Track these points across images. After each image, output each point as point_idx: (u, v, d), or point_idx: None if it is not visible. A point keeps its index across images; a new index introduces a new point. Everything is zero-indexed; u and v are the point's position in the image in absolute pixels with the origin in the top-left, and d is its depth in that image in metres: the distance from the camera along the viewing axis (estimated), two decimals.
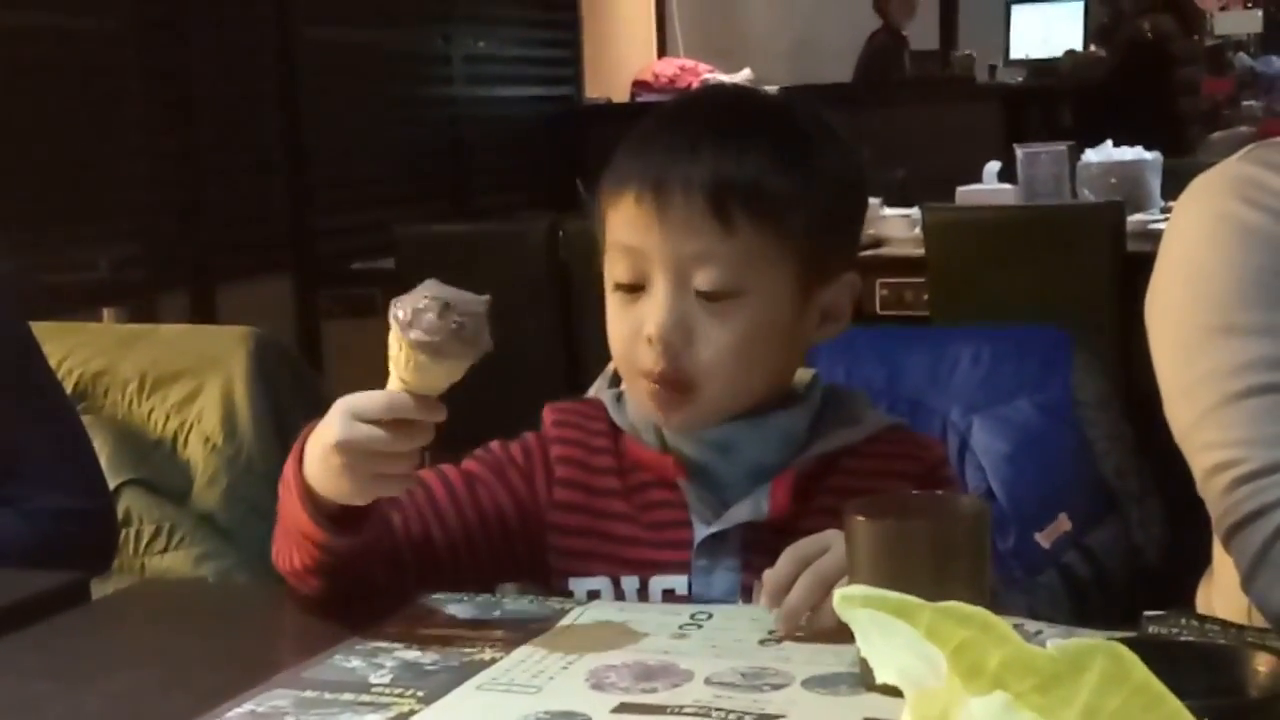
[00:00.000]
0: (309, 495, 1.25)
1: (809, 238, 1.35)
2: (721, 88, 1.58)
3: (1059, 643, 0.70)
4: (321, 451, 1.21)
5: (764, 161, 1.33)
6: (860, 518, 1.09)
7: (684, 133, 1.35)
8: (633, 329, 1.35)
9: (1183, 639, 1.08)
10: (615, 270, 1.36)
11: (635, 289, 1.35)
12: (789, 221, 1.33)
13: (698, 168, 1.31)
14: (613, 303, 1.37)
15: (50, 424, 1.84)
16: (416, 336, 1.15)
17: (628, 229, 1.34)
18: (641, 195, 1.33)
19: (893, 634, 0.73)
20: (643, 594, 1.38)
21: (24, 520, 1.76)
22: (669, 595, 1.37)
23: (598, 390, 1.51)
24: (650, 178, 1.33)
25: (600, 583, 1.39)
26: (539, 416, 1.46)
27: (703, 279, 1.32)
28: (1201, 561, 1.58)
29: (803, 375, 1.44)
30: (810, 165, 1.35)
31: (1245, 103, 7.94)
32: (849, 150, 1.41)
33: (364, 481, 1.21)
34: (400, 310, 1.16)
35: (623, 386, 1.43)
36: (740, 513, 1.36)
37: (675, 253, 1.32)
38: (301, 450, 1.25)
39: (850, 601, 0.74)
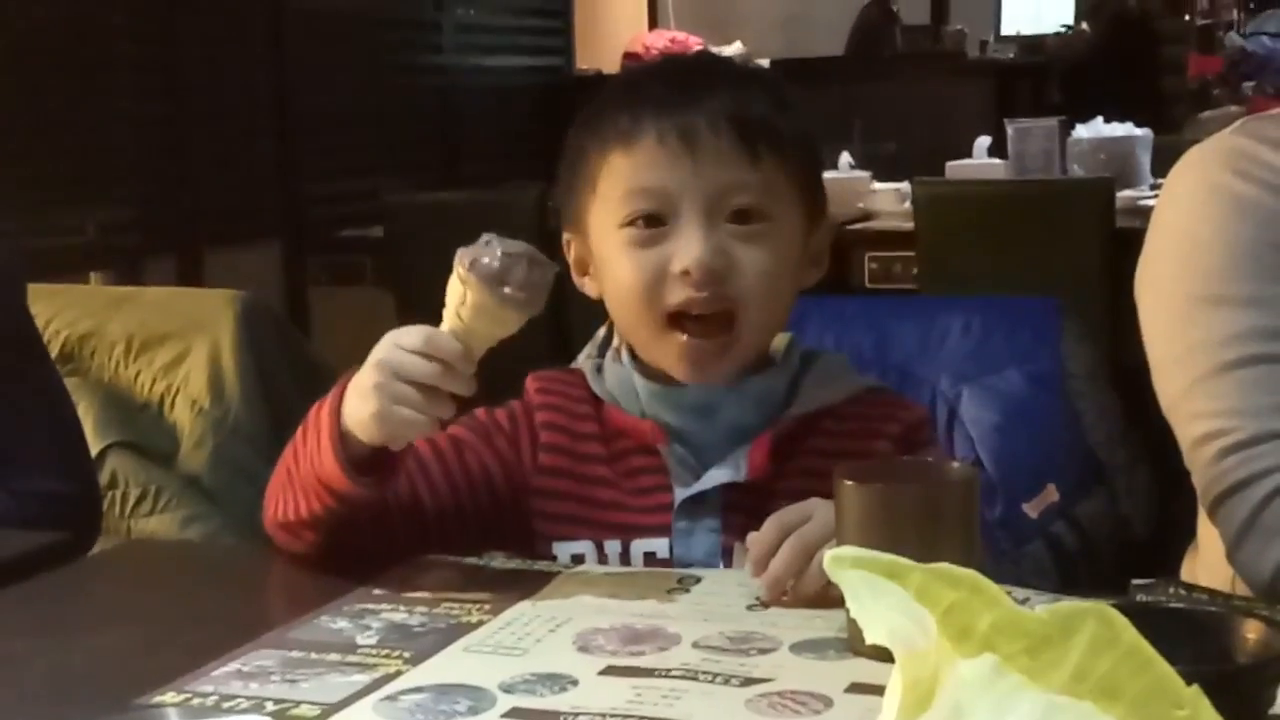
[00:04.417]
0: (340, 438, 1.25)
1: (807, 176, 1.41)
2: (681, 55, 1.63)
3: (1049, 606, 0.70)
4: (360, 377, 1.22)
5: (768, 100, 1.39)
6: (849, 482, 1.09)
7: (684, 80, 1.39)
8: (656, 268, 1.35)
9: (1171, 606, 1.08)
10: (631, 214, 1.36)
11: (657, 224, 1.35)
12: (794, 158, 1.39)
13: (716, 104, 1.36)
14: (623, 250, 1.37)
15: (46, 411, 1.82)
16: (510, 293, 1.20)
17: (650, 171, 1.35)
18: (664, 136, 1.35)
19: (883, 595, 0.73)
20: (625, 557, 1.38)
21: (13, 500, 1.76)
22: (650, 558, 1.37)
23: (582, 361, 1.51)
24: (669, 119, 1.35)
25: (584, 546, 1.39)
26: (523, 385, 1.47)
27: (737, 203, 1.35)
28: (1187, 534, 1.58)
29: (780, 339, 1.45)
30: (794, 112, 1.41)
31: (1246, 83, 7.91)
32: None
33: (390, 409, 1.20)
34: (486, 258, 1.20)
35: (616, 348, 1.44)
36: (719, 474, 1.37)
37: (709, 186, 1.35)
38: (340, 395, 1.26)
39: (841, 562, 0.74)
